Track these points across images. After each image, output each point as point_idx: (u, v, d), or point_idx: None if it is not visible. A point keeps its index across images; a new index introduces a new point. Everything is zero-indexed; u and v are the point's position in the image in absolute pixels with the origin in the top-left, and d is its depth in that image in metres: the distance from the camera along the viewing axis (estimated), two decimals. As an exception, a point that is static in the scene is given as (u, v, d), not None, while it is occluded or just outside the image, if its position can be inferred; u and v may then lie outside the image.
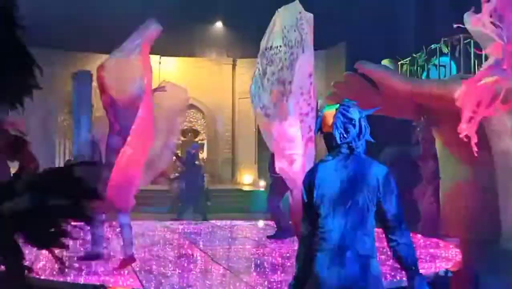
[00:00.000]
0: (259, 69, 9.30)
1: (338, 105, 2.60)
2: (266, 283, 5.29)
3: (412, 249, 2.50)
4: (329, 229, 2.47)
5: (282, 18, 9.26)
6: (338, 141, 2.51)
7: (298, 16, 9.10)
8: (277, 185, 7.87)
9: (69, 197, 2.13)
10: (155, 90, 6.43)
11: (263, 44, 9.47)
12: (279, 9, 9.41)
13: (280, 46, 9.14)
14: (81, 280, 5.31)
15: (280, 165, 6.90)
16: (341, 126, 2.51)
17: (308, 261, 2.53)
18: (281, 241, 7.71)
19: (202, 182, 11.84)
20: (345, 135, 2.51)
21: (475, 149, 6.42)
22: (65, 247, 2.22)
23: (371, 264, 2.44)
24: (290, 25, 9.12)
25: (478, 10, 7.18)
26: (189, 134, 22.27)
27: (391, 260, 5.90)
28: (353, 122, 2.51)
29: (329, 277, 2.41)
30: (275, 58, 9.19)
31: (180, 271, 5.92)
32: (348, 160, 2.52)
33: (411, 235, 2.56)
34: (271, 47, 9.26)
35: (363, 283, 2.39)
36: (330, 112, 2.57)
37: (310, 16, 9.14)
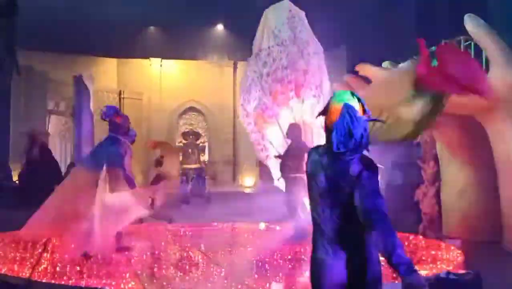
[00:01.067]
0: (255, 72, 9.34)
1: (346, 96, 2.51)
2: (268, 285, 5.29)
3: (392, 246, 2.32)
4: (323, 221, 2.53)
5: (271, 18, 9.31)
6: (334, 149, 2.45)
7: (289, 15, 9.17)
8: (293, 185, 7.85)
9: None
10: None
11: (255, 46, 9.51)
12: (266, 9, 9.45)
13: (273, 46, 9.20)
14: (83, 283, 5.31)
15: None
16: (341, 136, 2.43)
17: None
18: (283, 244, 7.69)
19: (203, 184, 11.78)
20: (341, 147, 2.43)
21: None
22: None
23: (370, 258, 2.47)
24: (281, 24, 9.18)
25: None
26: (191, 136, 22.29)
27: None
28: (353, 137, 2.42)
29: (331, 272, 2.47)
30: (269, 59, 9.24)
31: (181, 274, 5.92)
32: (336, 159, 2.49)
33: (394, 234, 2.39)
34: (265, 48, 9.30)
35: (367, 275, 2.46)
36: (337, 108, 2.48)
37: (302, 13, 9.20)
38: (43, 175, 9.54)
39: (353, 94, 2.52)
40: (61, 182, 7.36)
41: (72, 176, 7.09)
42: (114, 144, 6.50)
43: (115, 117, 6.59)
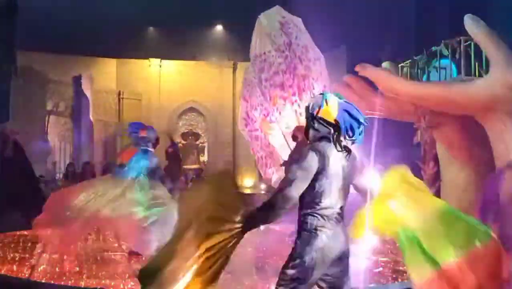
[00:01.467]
0: (254, 78, 9.35)
1: (338, 97, 2.88)
2: (267, 286, 5.28)
3: None
4: (334, 207, 2.86)
5: (264, 25, 9.35)
6: (346, 137, 2.80)
7: (282, 21, 9.20)
8: None
9: None
10: None
11: (251, 52, 9.53)
12: (259, 16, 9.49)
13: (270, 51, 9.23)
14: (82, 284, 5.31)
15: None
16: (348, 124, 2.79)
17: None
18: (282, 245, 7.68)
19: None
20: (350, 133, 2.80)
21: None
22: None
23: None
24: (275, 30, 9.22)
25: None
26: (190, 137, 22.26)
27: (392, 263, 5.89)
28: (360, 123, 2.80)
29: (337, 246, 2.83)
30: (265, 64, 9.25)
31: (181, 274, 5.90)
32: (346, 153, 2.88)
33: None
34: (260, 54, 9.33)
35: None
36: (334, 105, 2.82)
37: (297, 20, 9.21)
38: (13, 176, 9.35)
39: (338, 95, 2.90)
40: (32, 184, 7.18)
41: (96, 180, 6.95)
42: (146, 158, 6.46)
43: (140, 133, 6.62)
